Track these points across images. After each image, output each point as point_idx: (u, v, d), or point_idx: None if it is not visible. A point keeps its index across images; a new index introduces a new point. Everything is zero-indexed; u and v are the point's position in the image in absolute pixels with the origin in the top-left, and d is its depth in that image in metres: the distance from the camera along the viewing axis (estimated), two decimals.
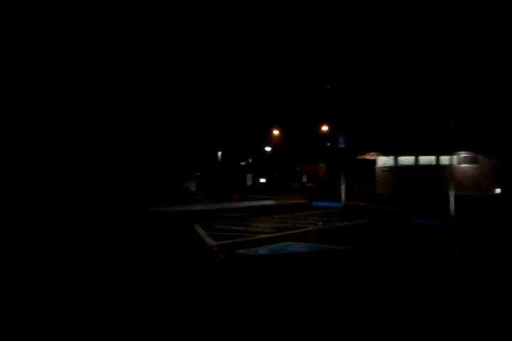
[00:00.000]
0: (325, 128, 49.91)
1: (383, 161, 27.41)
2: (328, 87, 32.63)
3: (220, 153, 20.47)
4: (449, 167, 14.66)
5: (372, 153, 28.02)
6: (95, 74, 16.05)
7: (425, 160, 25.55)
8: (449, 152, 15.14)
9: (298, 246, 6.99)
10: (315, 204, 16.28)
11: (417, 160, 26.12)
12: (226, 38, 26.52)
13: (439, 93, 24.49)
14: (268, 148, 40.41)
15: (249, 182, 31.14)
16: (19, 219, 10.99)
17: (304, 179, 40.15)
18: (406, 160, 26.68)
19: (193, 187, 16.02)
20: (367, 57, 28.11)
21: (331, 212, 13.38)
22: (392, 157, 27.62)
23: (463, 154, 22.79)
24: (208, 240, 7.53)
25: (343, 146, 15.96)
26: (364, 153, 28.87)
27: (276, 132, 45.26)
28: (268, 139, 44.33)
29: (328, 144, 46.53)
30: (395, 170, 26.60)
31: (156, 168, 16.25)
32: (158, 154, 16.10)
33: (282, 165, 47.02)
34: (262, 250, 6.64)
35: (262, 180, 36.41)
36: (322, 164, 44.52)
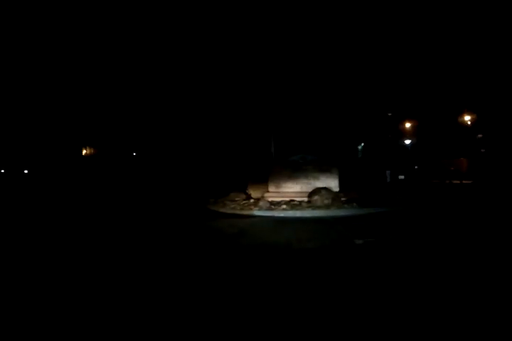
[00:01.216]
0: (467, 118, 42.98)
1: None
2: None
3: (360, 147, 17.30)
4: None
5: None
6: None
7: None
8: None
9: None
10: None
11: None
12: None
13: None
14: (408, 141, 35.49)
15: (388, 179, 27.35)
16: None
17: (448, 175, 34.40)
18: None
19: (335, 187, 13.15)
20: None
21: None
22: None
23: None
24: None
25: None
26: None
27: (408, 125, 40.04)
28: (403, 132, 39.38)
29: (480, 135, 39.83)
30: None
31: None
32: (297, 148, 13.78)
33: (419, 160, 41.32)
34: None
35: (401, 177, 31.71)
36: (462, 159, 38.66)
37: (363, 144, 23.57)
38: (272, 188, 13.90)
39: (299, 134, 15.80)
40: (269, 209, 12.00)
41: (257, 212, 11.78)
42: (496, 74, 37.02)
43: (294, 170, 13.89)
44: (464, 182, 28.72)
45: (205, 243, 7.36)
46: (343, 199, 12.72)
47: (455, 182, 29.50)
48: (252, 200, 13.39)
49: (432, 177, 33.56)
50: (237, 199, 13.94)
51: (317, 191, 12.43)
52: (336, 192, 12.81)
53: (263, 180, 14.47)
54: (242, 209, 12.46)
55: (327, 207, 11.83)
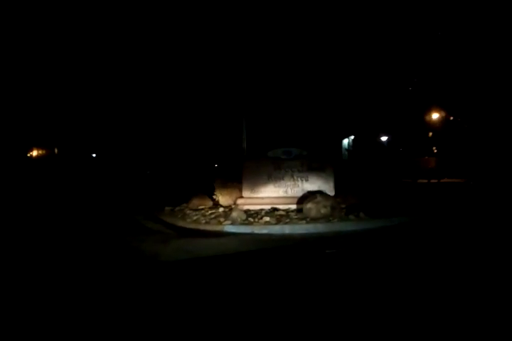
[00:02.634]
0: (435, 115, 41.31)
1: None
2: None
3: (348, 141, 14.28)
4: None
5: None
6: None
7: None
8: None
9: None
10: None
11: None
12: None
13: None
14: (384, 138, 33.00)
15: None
16: None
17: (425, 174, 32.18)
18: None
19: (330, 190, 10.01)
20: None
21: None
22: None
23: None
24: None
25: None
26: None
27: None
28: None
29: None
30: None
31: None
32: None
33: (395, 158, 39.02)
34: None
35: None
36: (431, 157, 36.92)
37: (352, 137, 20.56)
38: (246, 192, 10.52)
39: (277, 121, 12.43)
40: (245, 222, 8.62)
41: (228, 228, 8.37)
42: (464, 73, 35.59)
43: (276, 168, 10.58)
44: (441, 181, 26.56)
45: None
46: (342, 206, 9.54)
47: (433, 181, 27.28)
48: (221, 209, 9.95)
49: (405, 176, 31.32)
50: (201, 207, 10.47)
51: (310, 197, 9.14)
52: (335, 198, 9.60)
53: (234, 181, 11.08)
54: (207, 222, 9.00)
55: (326, 218, 8.58)
